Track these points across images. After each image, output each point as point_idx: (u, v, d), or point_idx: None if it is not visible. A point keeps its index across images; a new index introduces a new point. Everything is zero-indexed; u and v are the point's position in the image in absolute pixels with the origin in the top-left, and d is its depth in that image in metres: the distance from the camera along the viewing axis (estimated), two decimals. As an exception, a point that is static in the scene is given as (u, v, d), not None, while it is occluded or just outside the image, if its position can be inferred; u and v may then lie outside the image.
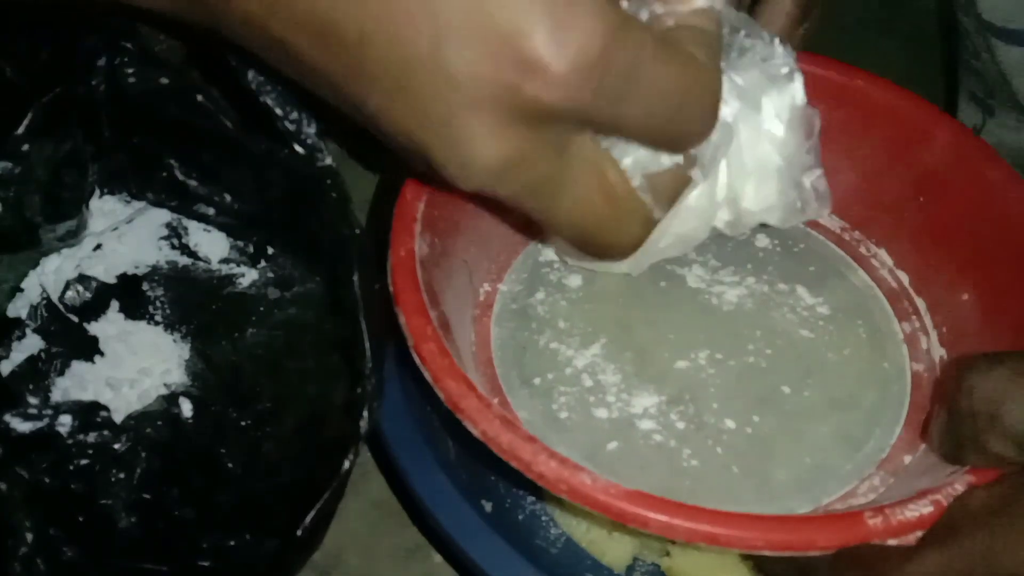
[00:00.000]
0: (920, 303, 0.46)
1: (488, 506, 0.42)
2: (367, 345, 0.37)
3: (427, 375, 0.35)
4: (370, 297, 0.38)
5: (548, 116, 0.28)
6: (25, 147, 0.40)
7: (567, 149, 0.31)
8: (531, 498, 0.44)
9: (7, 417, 0.38)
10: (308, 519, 0.36)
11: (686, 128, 0.32)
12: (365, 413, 0.37)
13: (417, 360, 0.35)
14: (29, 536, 0.34)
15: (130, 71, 0.42)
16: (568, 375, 0.42)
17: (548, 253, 0.47)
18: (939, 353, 0.44)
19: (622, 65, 0.28)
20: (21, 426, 0.39)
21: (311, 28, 0.28)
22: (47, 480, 0.38)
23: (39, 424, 0.39)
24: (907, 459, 0.40)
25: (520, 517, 0.44)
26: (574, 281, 0.45)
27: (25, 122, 0.40)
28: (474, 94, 0.27)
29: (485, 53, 0.27)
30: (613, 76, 0.28)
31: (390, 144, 0.31)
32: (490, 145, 0.28)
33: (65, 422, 0.40)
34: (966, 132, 0.46)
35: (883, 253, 0.48)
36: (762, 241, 0.44)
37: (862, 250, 0.48)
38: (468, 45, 0.27)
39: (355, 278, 0.38)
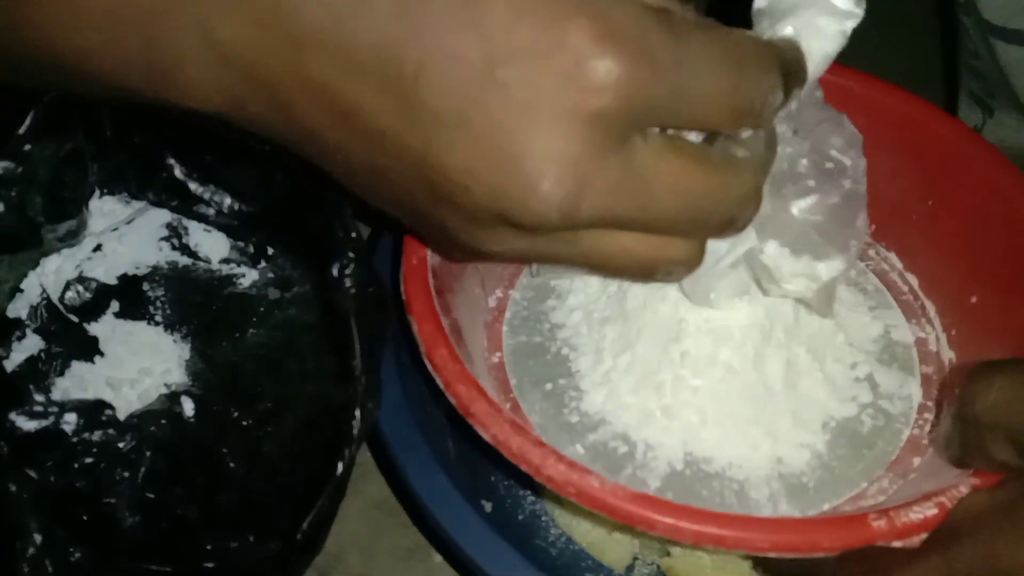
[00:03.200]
0: (929, 306, 0.46)
1: (488, 506, 0.42)
2: (357, 347, 0.37)
3: (439, 381, 0.36)
4: (363, 299, 0.38)
5: (611, 119, 0.27)
6: (27, 147, 0.40)
7: (635, 144, 0.29)
8: (531, 498, 0.44)
9: (12, 415, 0.38)
10: (307, 521, 0.36)
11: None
12: (357, 414, 0.37)
13: (429, 366, 0.36)
14: (38, 537, 0.34)
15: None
16: (579, 381, 0.42)
17: None
18: (948, 356, 0.44)
19: (665, 44, 0.27)
20: (27, 424, 0.39)
21: (376, 72, 0.27)
22: (52, 479, 0.38)
23: (45, 422, 0.39)
24: (916, 461, 0.40)
25: (520, 517, 0.44)
26: (585, 288, 0.45)
27: (27, 122, 0.40)
28: (531, 108, 0.27)
29: (535, 62, 0.27)
30: (660, 56, 0.27)
31: (443, 227, 0.30)
32: (560, 167, 0.27)
33: (70, 420, 0.40)
34: (974, 135, 0.46)
35: (893, 256, 0.48)
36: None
37: (872, 253, 0.48)
38: (517, 56, 0.27)
39: (348, 280, 0.38)
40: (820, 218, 0.36)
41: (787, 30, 0.33)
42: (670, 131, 0.31)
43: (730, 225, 0.32)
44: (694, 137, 0.32)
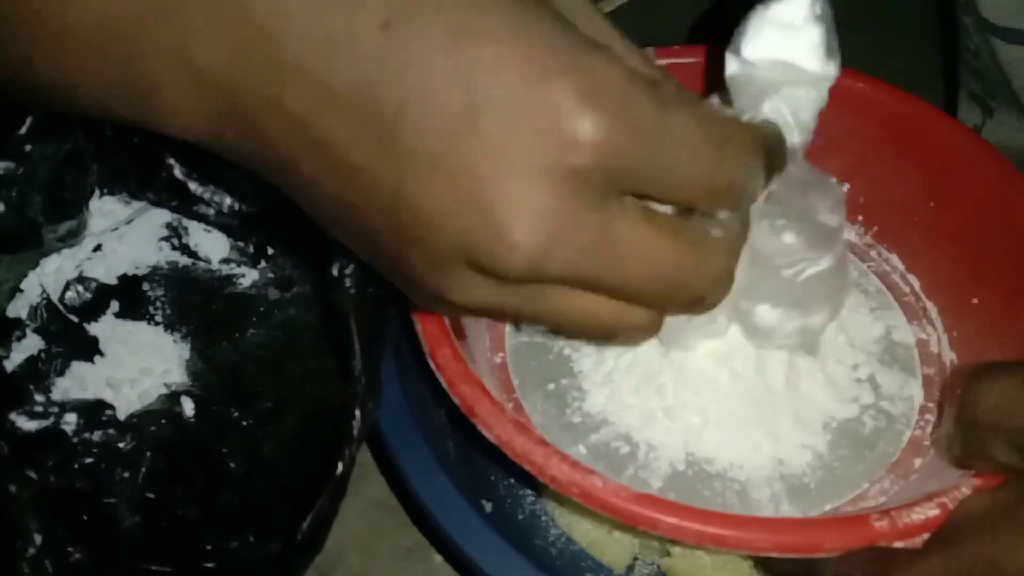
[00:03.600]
0: (931, 307, 0.46)
1: (488, 506, 0.42)
2: (357, 346, 0.37)
3: (442, 380, 0.36)
4: (363, 299, 0.38)
5: (585, 175, 0.27)
6: (27, 147, 0.40)
7: (611, 207, 0.29)
8: (531, 498, 0.44)
9: (12, 415, 0.38)
10: (307, 521, 0.36)
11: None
12: (357, 414, 0.37)
13: (432, 366, 0.36)
14: (38, 537, 0.34)
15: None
16: (581, 381, 0.42)
17: None
18: (950, 357, 0.44)
19: (647, 111, 0.27)
20: (27, 424, 0.39)
21: (354, 108, 0.27)
22: (52, 479, 0.38)
23: (45, 422, 0.39)
24: (917, 462, 0.40)
25: (520, 517, 0.44)
26: None
27: (27, 122, 0.40)
28: (507, 156, 0.27)
29: (513, 112, 0.26)
30: (641, 122, 0.27)
31: (409, 270, 0.30)
32: (532, 215, 0.27)
33: (71, 420, 0.40)
34: (975, 137, 0.46)
35: (894, 258, 0.48)
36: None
37: (873, 254, 0.48)
38: (496, 104, 0.26)
39: (348, 280, 0.38)
40: (811, 281, 0.37)
41: (765, 109, 0.33)
42: (648, 202, 0.30)
43: (698, 303, 0.32)
44: (670, 210, 0.31)
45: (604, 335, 0.32)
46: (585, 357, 0.43)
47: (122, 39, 0.28)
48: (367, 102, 0.27)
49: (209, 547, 0.38)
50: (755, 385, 0.40)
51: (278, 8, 0.27)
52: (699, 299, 0.32)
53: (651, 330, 0.33)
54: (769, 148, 0.32)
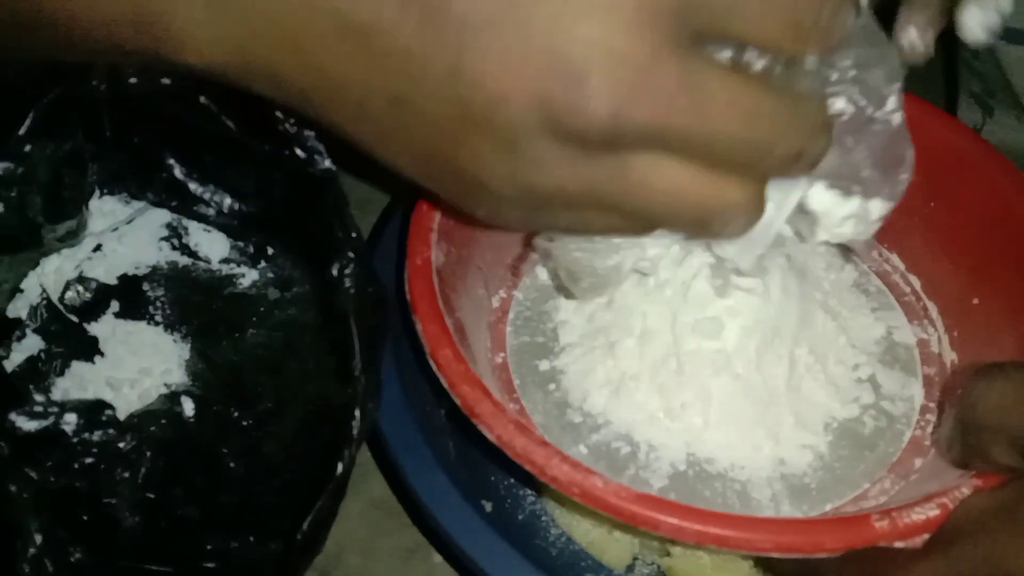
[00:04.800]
0: (932, 307, 0.46)
1: (488, 506, 0.42)
2: (356, 346, 0.37)
3: (443, 381, 0.36)
4: (363, 299, 0.38)
5: (666, 19, 0.25)
6: (27, 147, 0.40)
7: (692, 54, 0.27)
8: (531, 498, 0.44)
9: (12, 415, 0.38)
10: (307, 521, 0.36)
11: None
12: (357, 414, 0.37)
13: (433, 366, 0.36)
14: (38, 537, 0.34)
15: (131, 71, 0.42)
16: (583, 381, 0.42)
17: None
18: (950, 357, 0.44)
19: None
20: (27, 424, 0.39)
21: (356, 40, 0.25)
22: (53, 479, 0.38)
23: (45, 422, 0.39)
24: (918, 462, 0.40)
25: (520, 517, 0.44)
26: None
27: (27, 122, 0.40)
28: (580, 4, 0.25)
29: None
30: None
31: (476, 165, 0.28)
32: (613, 55, 0.25)
33: (70, 420, 0.40)
34: (975, 138, 0.46)
35: (895, 258, 0.48)
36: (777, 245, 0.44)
37: (874, 255, 0.48)
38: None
39: (348, 280, 0.38)
40: (869, 155, 0.34)
41: None
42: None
43: (798, 159, 0.29)
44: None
45: (697, 220, 0.29)
46: (586, 357, 0.43)
47: None
48: (372, 35, 0.25)
49: (209, 547, 0.38)
50: (756, 386, 0.40)
51: None
52: (798, 154, 0.29)
53: (749, 209, 0.30)
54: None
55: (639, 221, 0.30)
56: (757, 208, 0.30)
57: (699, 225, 0.30)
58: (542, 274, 0.47)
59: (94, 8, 0.27)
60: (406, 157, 0.29)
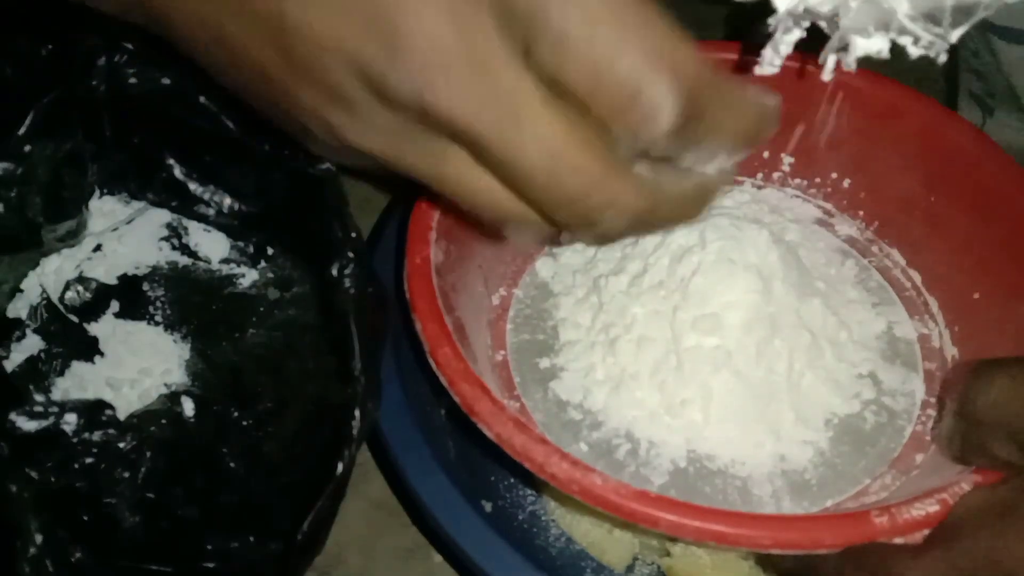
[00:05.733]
0: (932, 302, 0.46)
1: (488, 506, 0.42)
2: (356, 346, 0.37)
3: (443, 379, 0.36)
4: (363, 299, 0.38)
5: (499, 23, 0.25)
6: (27, 148, 0.40)
7: (521, 71, 0.26)
8: (531, 498, 0.44)
9: (12, 415, 0.38)
10: (307, 521, 0.36)
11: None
12: (357, 414, 0.37)
13: (433, 365, 0.36)
14: (38, 537, 0.34)
15: (131, 71, 0.42)
16: (583, 379, 0.42)
17: (563, 259, 0.47)
18: (951, 352, 0.44)
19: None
20: (27, 425, 0.39)
21: None
22: (52, 479, 0.38)
23: (45, 422, 0.39)
24: (918, 457, 0.40)
25: (520, 517, 0.44)
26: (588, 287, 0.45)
27: (26, 122, 0.40)
28: None
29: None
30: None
31: (300, 109, 0.27)
32: (437, 34, 0.24)
33: (71, 420, 0.40)
34: (977, 133, 0.46)
35: (895, 253, 0.48)
36: (776, 242, 0.44)
37: (875, 249, 0.48)
38: None
39: (348, 280, 0.38)
40: None
41: None
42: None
43: (589, 227, 0.28)
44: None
45: (496, 219, 0.29)
46: (586, 355, 0.43)
47: None
48: None
49: (209, 547, 0.38)
50: (756, 382, 0.40)
51: None
52: (591, 223, 0.28)
53: (541, 236, 0.29)
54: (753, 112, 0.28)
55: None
56: (547, 237, 0.30)
57: (499, 224, 0.30)
58: (542, 271, 0.47)
59: None
60: (241, 89, 0.29)
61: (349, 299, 0.38)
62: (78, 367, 0.43)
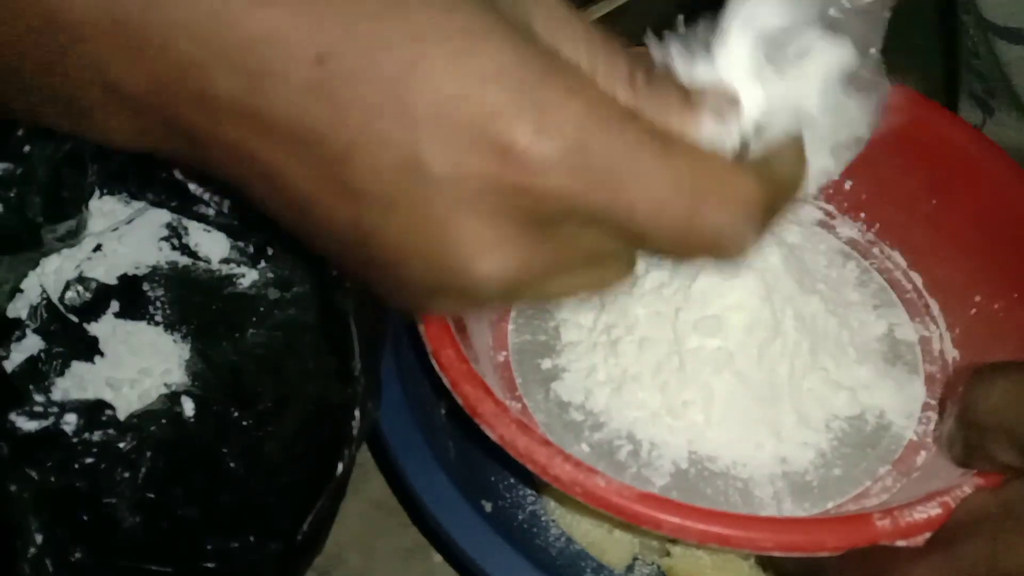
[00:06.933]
0: (933, 304, 0.46)
1: (488, 506, 0.42)
2: (356, 346, 0.37)
3: (445, 380, 0.36)
4: (363, 299, 0.38)
5: (540, 210, 0.26)
6: (26, 147, 0.40)
7: (567, 236, 0.27)
8: (531, 498, 0.44)
9: (12, 415, 0.38)
10: (307, 521, 0.36)
11: (700, 236, 0.27)
12: (357, 414, 0.37)
13: (436, 366, 0.36)
14: (38, 537, 0.34)
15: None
16: (585, 380, 0.42)
17: None
18: (952, 355, 0.44)
19: (606, 150, 0.25)
20: (27, 425, 0.39)
21: (297, 145, 0.25)
22: (52, 479, 0.38)
23: (45, 422, 0.39)
24: (919, 460, 0.40)
25: (520, 517, 0.44)
26: None
27: (26, 122, 0.40)
28: (459, 192, 0.25)
29: (461, 145, 0.25)
30: (599, 161, 0.25)
31: (392, 289, 0.29)
32: (493, 252, 0.26)
33: (70, 420, 0.40)
34: (979, 135, 0.46)
35: (897, 255, 0.48)
36: (778, 244, 0.44)
37: (876, 251, 0.48)
38: (443, 139, 0.25)
39: (347, 280, 0.38)
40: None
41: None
42: None
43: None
44: None
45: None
46: (588, 356, 0.43)
47: (43, 67, 0.26)
48: (310, 140, 0.25)
49: (209, 547, 0.38)
50: (758, 383, 0.40)
51: (204, 38, 0.24)
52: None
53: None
54: (768, 200, 0.28)
55: None
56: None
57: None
58: None
59: (17, 93, 0.27)
60: (365, 219, 0.28)
61: (350, 299, 0.38)
62: (78, 367, 0.43)
